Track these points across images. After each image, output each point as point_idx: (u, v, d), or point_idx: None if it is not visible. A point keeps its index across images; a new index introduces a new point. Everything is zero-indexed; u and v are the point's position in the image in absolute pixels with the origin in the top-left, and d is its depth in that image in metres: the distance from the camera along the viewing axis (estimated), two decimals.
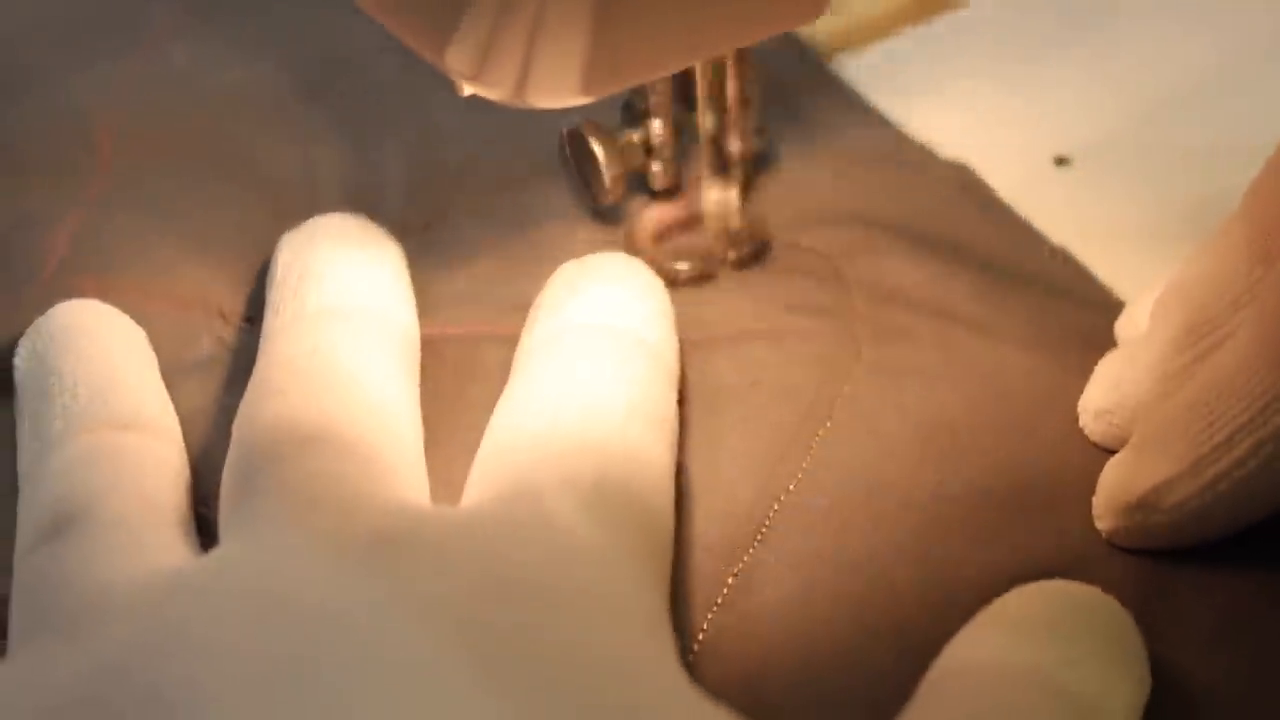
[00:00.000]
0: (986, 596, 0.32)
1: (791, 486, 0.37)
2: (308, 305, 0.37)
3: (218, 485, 0.35)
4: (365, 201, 0.44)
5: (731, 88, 0.42)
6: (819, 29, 0.50)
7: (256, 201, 0.45)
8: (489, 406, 0.37)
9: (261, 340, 0.38)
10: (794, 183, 0.45)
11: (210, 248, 0.44)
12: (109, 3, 0.52)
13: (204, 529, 0.35)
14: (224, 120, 0.48)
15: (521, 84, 0.33)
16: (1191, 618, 0.33)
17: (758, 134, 0.43)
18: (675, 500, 0.35)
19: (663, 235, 0.43)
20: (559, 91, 0.33)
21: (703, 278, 0.42)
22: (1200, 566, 0.34)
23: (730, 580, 0.35)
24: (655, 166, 0.43)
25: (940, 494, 0.36)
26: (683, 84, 0.42)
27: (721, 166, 0.43)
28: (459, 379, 0.39)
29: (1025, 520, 0.36)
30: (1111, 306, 0.41)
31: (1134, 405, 0.36)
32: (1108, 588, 0.32)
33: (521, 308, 0.40)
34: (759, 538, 0.36)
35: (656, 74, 0.37)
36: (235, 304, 0.42)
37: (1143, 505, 0.34)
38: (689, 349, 0.40)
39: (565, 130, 0.42)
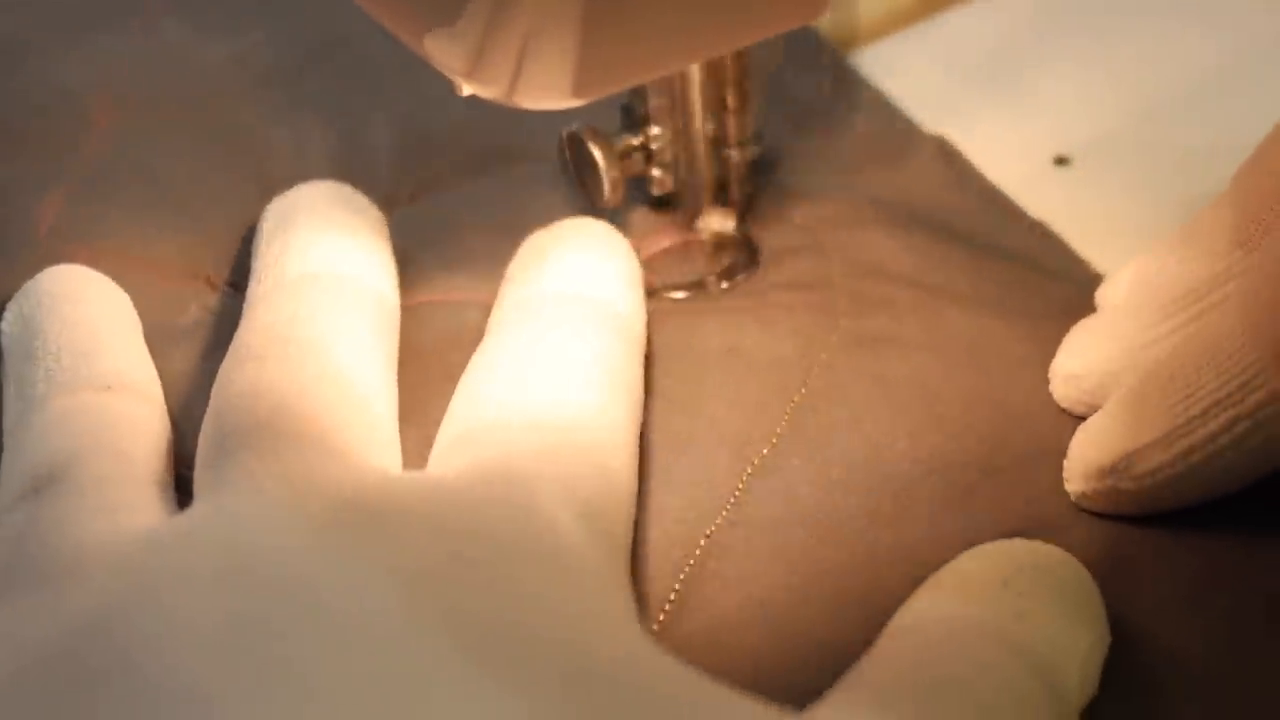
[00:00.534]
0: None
1: (765, 451, 0.37)
2: (289, 272, 0.38)
3: None
4: (353, 172, 0.44)
5: (731, 91, 0.41)
6: (819, 28, 0.50)
7: (245, 172, 0.45)
8: None
9: (244, 306, 0.38)
10: (793, 184, 0.45)
11: (199, 217, 0.44)
12: None
13: (186, 490, 0.35)
14: (215, 92, 0.49)
15: (514, 84, 0.33)
16: (1156, 581, 0.34)
17: (756, 140, 0.43)
18: (647, 466, 0.36)
19: (657, 260, 0.43)
20: (550, 93, 0.33)
21: (694, 297, 0.42)
22: (1166, 531, 0.34)
23: (702, 543, 0.35)
24: (655, 171, 0.42)
25: (913, 459, 0.37)
26: (684, 88, 0.41)
27: (721, 175, 0.43)
28: (441, 346, 0.40)
29: (995, 484, 0.36)
30: (1089, 279, 0.41)
31: (1104, 372, 0.36)
32: (1074, 550, 0.33)
33: None
34: (732, 501, 0.36)
35: (651, 76, 0.37)
36: (221, 271, 0.43)
37: (1113, 471, 0.34)
38: (669, 316, 0.40)
39: (564, 134, 0.42)
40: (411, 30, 0.35)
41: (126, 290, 0.40)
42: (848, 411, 0.38)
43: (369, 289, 0.38)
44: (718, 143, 0.42)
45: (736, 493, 0.36)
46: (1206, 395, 0.32)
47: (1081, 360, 0.37)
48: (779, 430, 0.37)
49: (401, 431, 0.37)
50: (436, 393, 0.38)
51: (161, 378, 0.38)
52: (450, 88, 0.35)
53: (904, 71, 0.49)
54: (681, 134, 0.42)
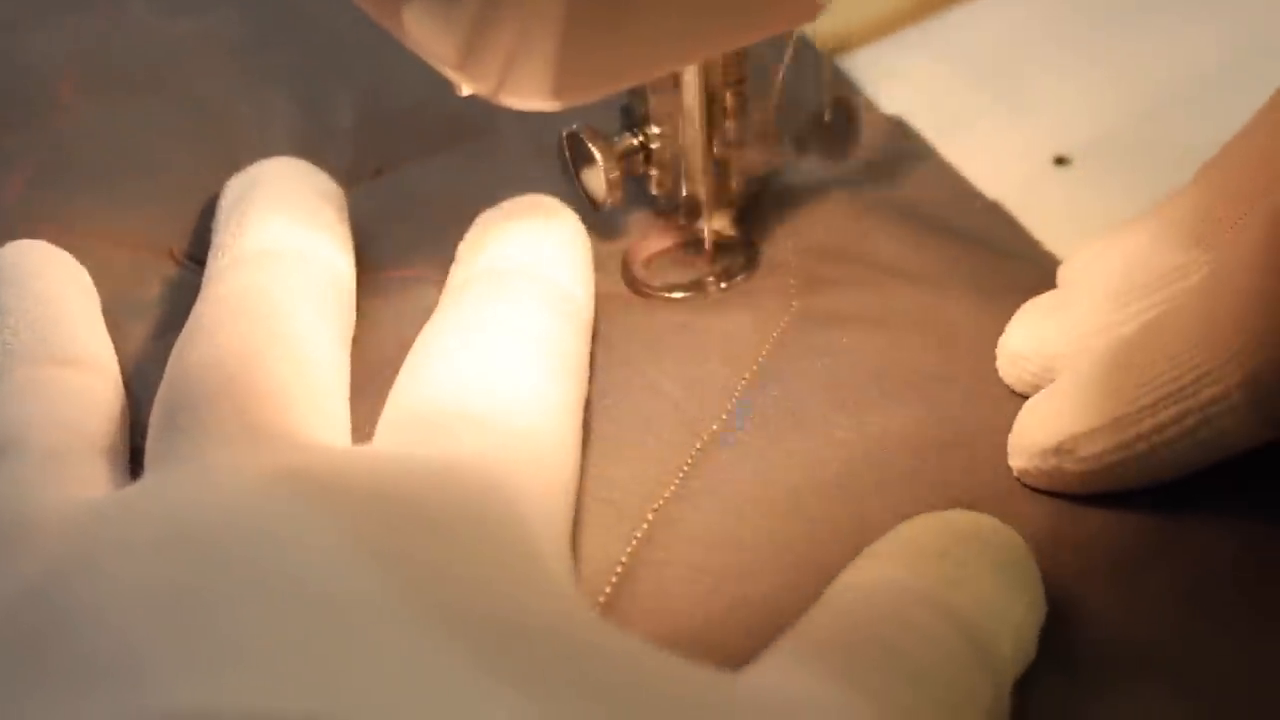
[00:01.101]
0: None
1: (715, 427, 0.37)
2: (246, 248, 0.38)
3: None
4: (317, 147, 0.45)
5: (729, 93, 0.41)
6: (819, 29, 0.50)
7: (209, 147, 0.46)
8: None
9: (203, 280, 0.39)
10: (793, 182, 0.45)
11: (162, 191, 0.45)
12: None
13: (142, 461, 0.36)
14: (179, 68, 0.49)
15: (502, 83, 0.33)
16: (1092, 556, 0.34)
17: (767, 141, 0.42)
18: (595, 441, 0.36)
19: (656, 260, 0.43)
20: (533, 94, 0.33)
21: (693, 298, 0.42)
22: (1105, 510, 0.35)
23: (650, 516, 0.35)
24: (654, 171, 0.42)
25: (861, 433, 0.37)
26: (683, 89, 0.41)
27: (719, 179, 0.42)
28: (399, 320, 0.40)
29: (941, 459, 0.36)
30: (1043, 258, 0.42)
31: (1052, 354, 0.37)
32: (1014, 524, 0.33)
33: None
34: (681, 475, 0.36)
35: (639, 80, 0.37)
36: (184, 245, 0.43)
37: (1059, 451, 0.34)
38: (621, 298, 0.41)
39: (564, 133, 0.42)
40: (404, 29, 0.35)
41: (90, 264, 0.41)
42: (798, 387, 0.38)
43: (325, 265, 0.39)
44: (714, 147, 0.42)
45: (685, 467, 0.37)
46: (1160, 386, 0.33)
47: (1029, 340, 0.37)
48: (729, 406, 0.38)
49: (354, 404, 0.37)
50: (390, 366, 0.38)
51: (123, 350, 0.39)
52: (414, 64, 0.35)
53: (904, 72, 0.49)
54: (681, 134, 0.41)
